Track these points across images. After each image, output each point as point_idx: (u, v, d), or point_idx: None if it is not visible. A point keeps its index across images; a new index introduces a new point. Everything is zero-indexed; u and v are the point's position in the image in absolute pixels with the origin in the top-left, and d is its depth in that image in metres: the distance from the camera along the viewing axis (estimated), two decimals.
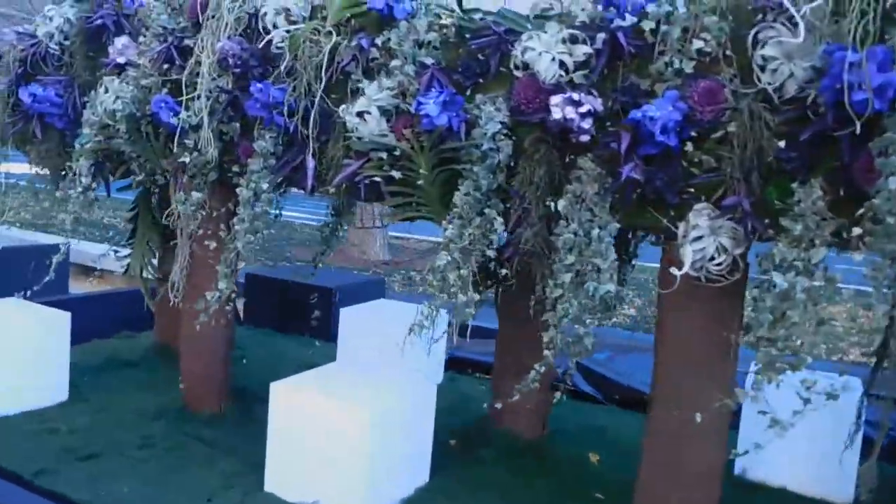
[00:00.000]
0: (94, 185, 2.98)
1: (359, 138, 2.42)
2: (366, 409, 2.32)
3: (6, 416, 2.93)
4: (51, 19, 3.05)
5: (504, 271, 2.30)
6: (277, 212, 2.97)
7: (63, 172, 3.27)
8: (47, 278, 3.17)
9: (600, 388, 3.91)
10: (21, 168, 3.93)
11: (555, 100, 2.11)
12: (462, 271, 2.25)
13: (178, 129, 2.73)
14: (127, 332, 4.29)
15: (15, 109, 3.19)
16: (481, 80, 2.34)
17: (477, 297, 2.24)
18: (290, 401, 2.43)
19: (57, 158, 3.20)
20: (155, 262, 3.91)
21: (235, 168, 2.77)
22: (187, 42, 2.78)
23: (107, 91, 2.93)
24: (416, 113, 2.30)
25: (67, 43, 3.09)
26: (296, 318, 4.63)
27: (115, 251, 3.92)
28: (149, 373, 3.55)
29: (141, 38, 2.86)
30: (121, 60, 2.88)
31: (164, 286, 3.86)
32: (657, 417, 2.31)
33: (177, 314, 3.84)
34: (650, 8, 2.05)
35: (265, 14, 2.60)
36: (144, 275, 3.83)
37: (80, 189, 2.95)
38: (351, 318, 3.72)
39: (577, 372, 3.87)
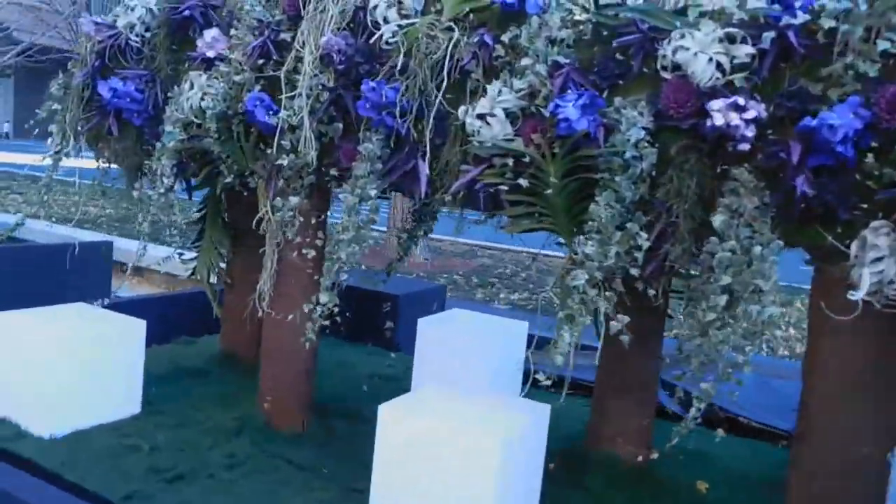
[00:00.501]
0: (175, 186, 2.80)
1: (480, 142, 2.24)
2: (493, 436, 2.14)
3: (81, 430, 2.76)
4: (132, 9, 2.88)
5: (651, 291, 2.11)
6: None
7: (139, 172, 3.10)
8: (120, 286, 3.00)
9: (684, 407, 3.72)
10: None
11: (716, 104, 1.92)
12: (606, 292, 2.08)
13: (276, 129, 2.55)
14: (185, 336, 4.13)
15: (89, 104, 3.02)
16: (620, 82, 2.16)
17: (627, 318, 2.05)
18: (402, 425, 2.25)
19: (133, 157, 3.03)
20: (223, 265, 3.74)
21: (334, 172, 2.59)
22: (283, 36, 2.61)
23: (192, 87, 2.76)
24: (549, 116, 2.11)
25: (148, 35, 2.92)
26: (359, 326, 4.45)
27: (181, 254, 3.74)
28: (220, 384, 3.37)
29: (232, 32, 2.68)
30: (210, 54, 2.71)
31: (232, 292, 3.70)
32: (810, 453, 2.11)
33: (243, 322, 3.69)
34: (828, 4, 1.86)
35: (375, 7, 2.42)
36: (211, 279, 3.66)
37: (161, 190, 2.77)
38: (429, 330, 3.53)
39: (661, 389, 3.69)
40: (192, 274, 3.73)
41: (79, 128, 3.05)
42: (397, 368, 3.92)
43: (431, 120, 2.31)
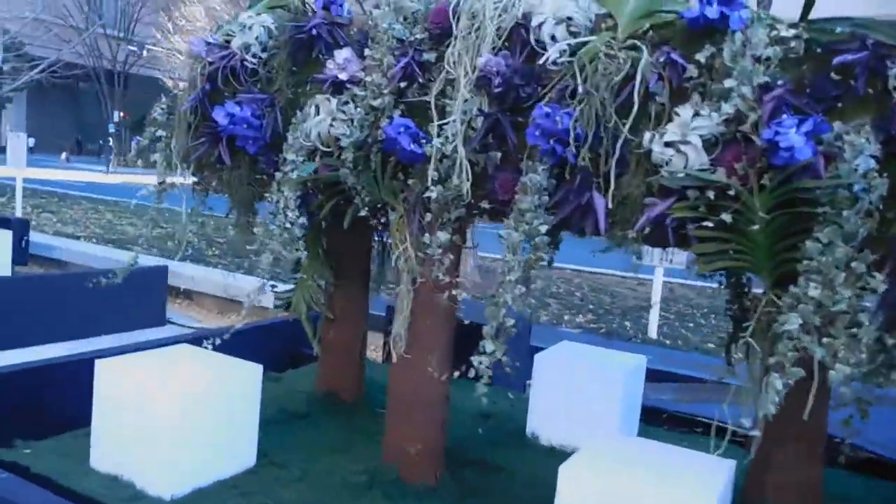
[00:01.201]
0: (301, 219, 2.57)
1: (670, 173, 2.01)
2: (702, 496, 1.90)
3: (201, 489, 2.52)
4: (249, 28, 2.66)
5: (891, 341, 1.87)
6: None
7: (252, 203, 2.88)
8: (241, 324, 2.77)
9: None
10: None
11: None
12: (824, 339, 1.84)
13: (420, 159, 2.33)
14: (270, 371, 3.89)
15: (198, 130, 2.80)
16: (838, 105, 1.93)
17: (848, 369, 1.82)
18: (589, 487, 2.01)
19: (246, 187, 2.81)
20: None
21: (485, 204, 2.36)
22: (427, 56, 2.39)
23: (318, 112, 2.54)
24: (762, 144, 1.88)
25: (265, 55, 2.70)
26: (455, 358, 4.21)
27: (273, 286, 3.51)
28: (331, 430, 3.13)
29: (367, 52, 2.46)
30: (342, 77, 2.48)
31: (332, 327, 3.47)
32: None
33: (345, 359, 3.46)
34: None
35: (540, 24, 2.19)
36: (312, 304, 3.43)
37: (286, 224, 2.55)
38: (546, 366, 3.30)
39: None
40: (288, 307, 3.51)
41: (185, 155, 2.82)
42: (501, 405, 3.67)
43: (616, 148, 2.07)
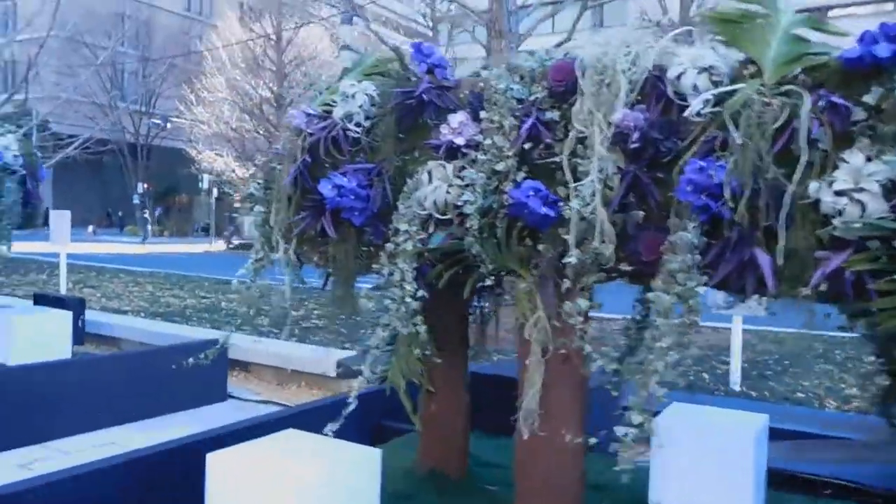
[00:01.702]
0: (420, 292, 2.43)
1: (845, 223, 1.86)
2: None
3: None
4: (352, 97, 2.57)
5: None
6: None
7: (355, 276, 2.76)
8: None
9: None
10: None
11: None
12: None
13: (552, 223, 2.20)
14: None
15: (299, 204, 2.69)
16: None
17: None
18: None
19: (352, 260, 2.68)
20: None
21: (625, 266, 2.21)
22: (549, 115, 2.27)
23: (431, 179, 2.43)
24: None
25: (367, 124, 2.60)
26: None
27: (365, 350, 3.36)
28: None
29: (483, 114, 2.35)
30: (458, 141, 2.37)
31: (434, 400, 3.30)
32: None
33: (447, 434, 3.29)
34: None
35: (679, 75, 2.07)
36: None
37: (406, 298, 2.41)
38: (664, 430, 3.09)
39: None
40: (384, 380, 3.35)
41: (287, 230, 2.71)
42: (610, 474, 3.46)
43: (781, 200, 1.92)
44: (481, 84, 2.45)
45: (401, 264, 2.44)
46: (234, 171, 33.95)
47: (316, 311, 9.31)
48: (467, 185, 2.35)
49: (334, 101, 2.64)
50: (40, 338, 5.47)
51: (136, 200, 38.02)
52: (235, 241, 33.72)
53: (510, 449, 3.68)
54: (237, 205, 39.57)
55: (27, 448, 4.63)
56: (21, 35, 14.73)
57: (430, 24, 30.43)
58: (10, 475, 4.20)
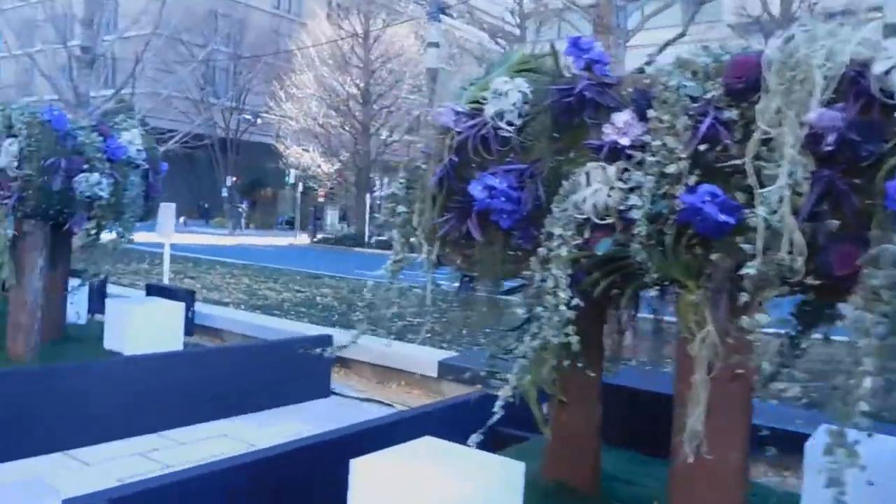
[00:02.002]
0: (574, 300, 2.30)
1: None
2: None
3: None
4: (504, 95, 2.46)
5: None
6: None
7: (500, 282, 2.66)
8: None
9: None
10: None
11: None
12: None
13: (728, 231, 2.03)
14: None
15: (444, 205, 2.61)
16: None
17: None
18: None
19: (498, 265, 2.58)
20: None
21: (811, 280, 2.03)
22: (728, 114, 2.11)
23: (589, 182, 2.30)
24: None
25: (519, 122, 2.49)
26: (661, 437, 3.82)
27: (494, 371, 3.26)
28: None
29: (651, 113, 2.20)
30: (623, 142, 2.23)
31: (565, 411, 3.17)
32: None
33: (580, 446, 3.16)
34: None
35: (889, 70, 1.88)
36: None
37: (560, 306, 2.29)
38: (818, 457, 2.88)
39: None
40: (515, 387, 3.24)
41: (430, 232, 2.62)
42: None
43: None
44: (646, 81, 2.31)
45: (554, 270, 2.32)
46: (319, 166, 34.62)
47: (411, 310, 9.32)
48: (632, 189, 2.21)
49: (484, 99, 2.54)
50: (155, 328, 5.60)
51: (224, 193, 39.17)
52: (319, 235, 34.38)
53: (643, 464, 3.52)
54: (321, 199, 40.39)
55: (144, 437, 4.73)
56: (127, 33, 15.24)
57: (518, 20, 30.24)
58: (133, 463, 4.31)
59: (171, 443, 4.69)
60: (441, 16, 31.17)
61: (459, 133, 2.55)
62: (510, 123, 2.49)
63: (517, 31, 30.63)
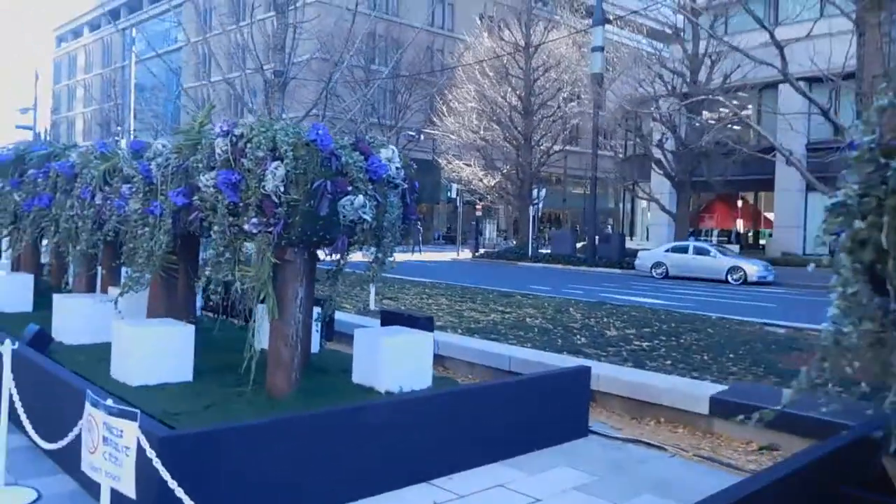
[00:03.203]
0: None
1: None
2: None
3: None
4: None
5: None
6: None
7: None
8: None
9: None
10: None
11: None
12: None
13: None
14: None
15: None
16: None
17: None
18: None
19: None
20: None
21: None
22: None
23: None
24: None
25: None
26: None
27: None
28: None
29: None
30: None
31: None
32: None
33: None
34: None
35: None
36: None
37: None
38: None
39: None
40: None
41: None
42: None
43: None
44: None
45: None
46: (480, 179, 34.38)
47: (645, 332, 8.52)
48: None
49: None
50: (405, 361, 5.18)
51: None
52: (481, 250, 34.12)
53: None
54: (478, 213, 40.18)
55: (415, 487, 4.27)
56: (301, 56, 15.50)
57: (688, 17, 28.76)
58: None
59: (450, 495, 4.20)
60: (593, 24, 30.20)
61: None
62: None
63: (680, 33, 29.12)
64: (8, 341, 3.98)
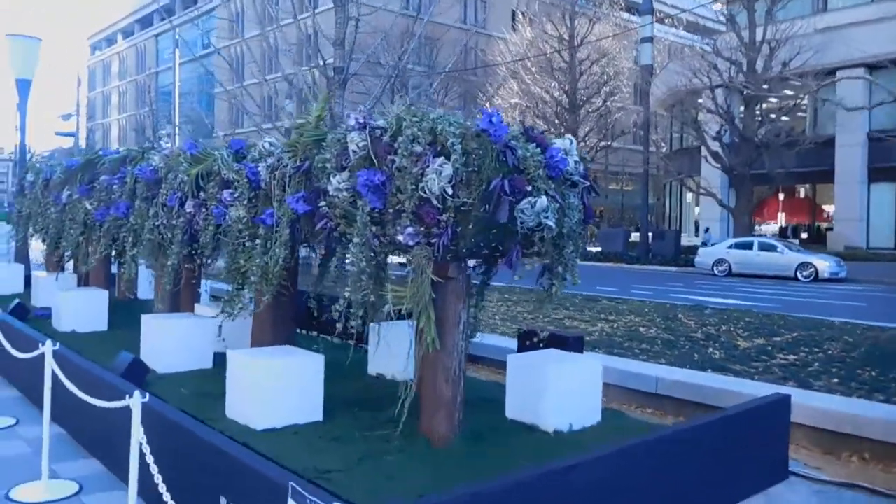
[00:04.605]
0: None
1: None
2: None
3: None
4: None
5: None
6: None
7: None
8: None
9: None
10: None
11: None
12: None
13: None
14: None
15: None
16: None
17: None
18: None
19: None
20: None
21: None
22: None
23: None
24: None
25: None
26: None
27: None
28: None
29: None
30: None
31: None
32: None
33: None
34: None
35: None
36: None
37: None
38: None
39: None
40: None
41: None
42: None
43: None
44: None
45: None
46: None
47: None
48: None
49: None
50: (574, 393, 4.32)
51: None
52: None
53: None
54: None
55: None
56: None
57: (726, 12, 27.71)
58: None
59: None
60: (642, 13, 29.13)
61: None
62: None
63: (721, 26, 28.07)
64: (137, 393, 3.15)
